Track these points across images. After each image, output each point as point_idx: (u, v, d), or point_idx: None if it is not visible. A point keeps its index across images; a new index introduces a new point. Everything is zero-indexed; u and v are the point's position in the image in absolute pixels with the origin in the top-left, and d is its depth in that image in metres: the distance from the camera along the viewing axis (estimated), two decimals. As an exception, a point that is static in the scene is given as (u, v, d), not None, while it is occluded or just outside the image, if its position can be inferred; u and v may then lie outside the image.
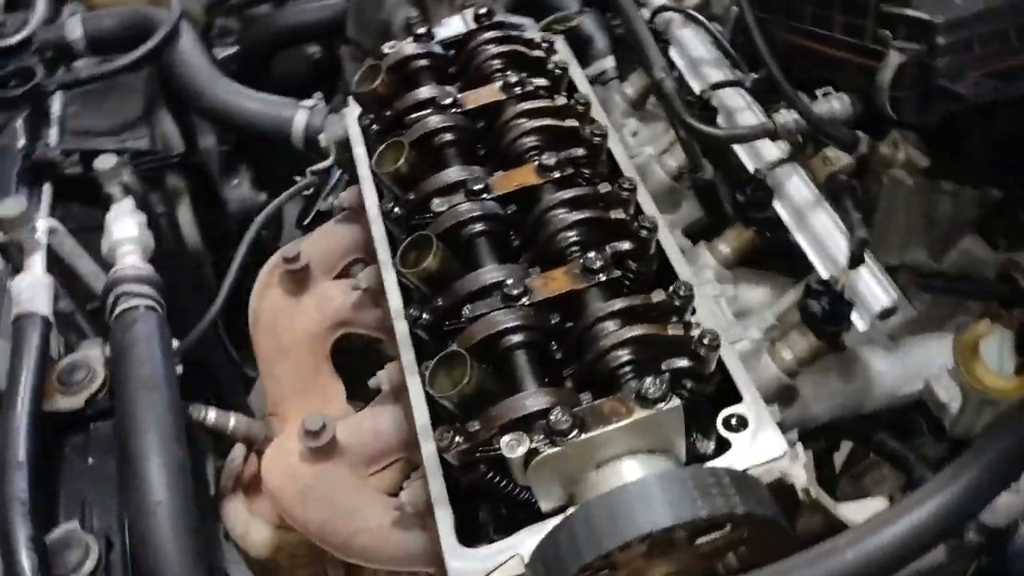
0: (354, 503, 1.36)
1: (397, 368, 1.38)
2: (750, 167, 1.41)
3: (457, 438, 1.12)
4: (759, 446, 1.15)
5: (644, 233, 1.26)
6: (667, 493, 0.99)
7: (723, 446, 1.16)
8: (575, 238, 1.27)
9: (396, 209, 1.41)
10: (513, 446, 1.07)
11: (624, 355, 1.14)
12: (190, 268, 2.14)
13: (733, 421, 1.18)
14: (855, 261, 1.20)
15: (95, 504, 1.39)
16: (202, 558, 1.23)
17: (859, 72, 1.25)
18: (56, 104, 1.96)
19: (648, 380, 1.07)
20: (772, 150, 1.40)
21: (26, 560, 1.10)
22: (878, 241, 1.35)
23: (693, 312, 1.26)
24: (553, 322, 1.22)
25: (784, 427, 1.34)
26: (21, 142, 1.82)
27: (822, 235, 1.29)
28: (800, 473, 1.11)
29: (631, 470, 1.09)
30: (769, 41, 1.36)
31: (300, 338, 1.63)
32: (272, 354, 1.65)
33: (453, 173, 1.38)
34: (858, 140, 1.29)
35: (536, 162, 1.36)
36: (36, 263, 1.47)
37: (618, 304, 1.17)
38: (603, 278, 1.22)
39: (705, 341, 1.13)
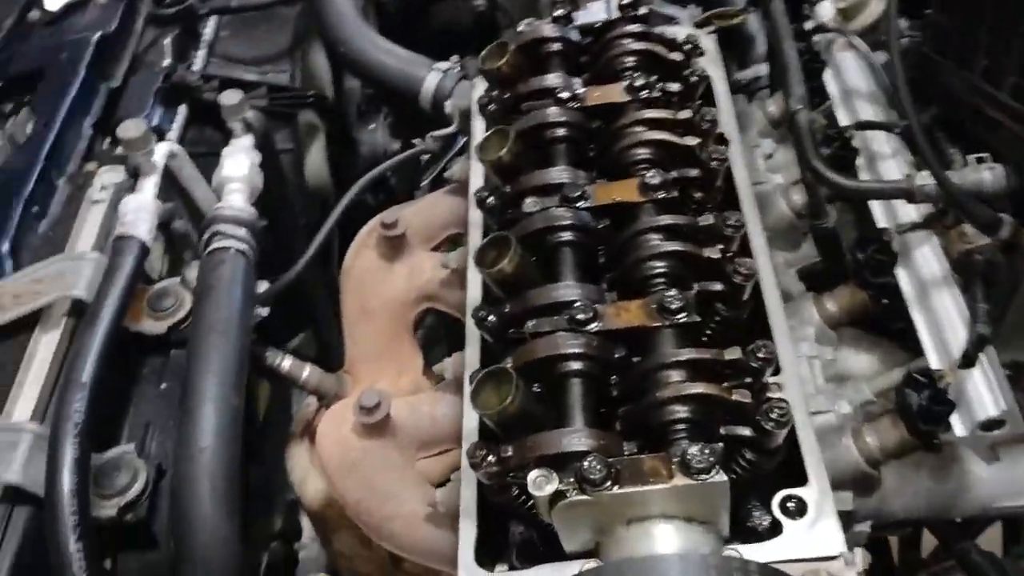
0: (393, 487, 1.34)
1: (463, 358, 1.35)
2: (879, 223, 1.27)
3: (490, 458, 1.08)
4: (814, 539, 1.04)
5: (738, 279, 1.16)
6: (682, 579, 0.91)
7: (777, 528, 1.07)
8: (661, 270, 1.19)
9: (491, 199, 1.36)
10: (540, 484, 1.02)
11: (680, 411, 1.05)
12: (311, 207, 2.17)
13: (791, 504, 1.08)
14: (967, 361, 1.06)
15: (158, 429, 1.44)
16: (235, 511, 1.25)
17: (1021, 143, 1.08)
18: (209, 28, 2.00)
19: (695, 448, 0.98)
20: (908, 211, 1.25)
21: (66, 480, 1.15)
22: (1010, 334, 1.19)
23: (777, 371, 1.16)
24: (617, 356, 1.15)
25: (856, 517, 1.23)
26: (166, 61, 1.88)
27: (941, 318, 1.15)
28: (851, 579, 1.00)
29: (663, 536, 1.02)
30: (941, 86, 1.20)
31: (385, 304, 1.62)
32: (356, 314, 1.65)
33: (554, 174, 1.31)
34: (1000, 224, 1.13)
35: (642, 178, 1.27)
36: (148, 186, 1.51)
37: (685, 355, 1.09)
38: (680, 320, 1.13)
39: (773, 415, 1.03)
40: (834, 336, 1.32)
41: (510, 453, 1.06)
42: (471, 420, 1.21)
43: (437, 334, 2.20)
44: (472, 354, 1.30)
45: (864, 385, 1.27)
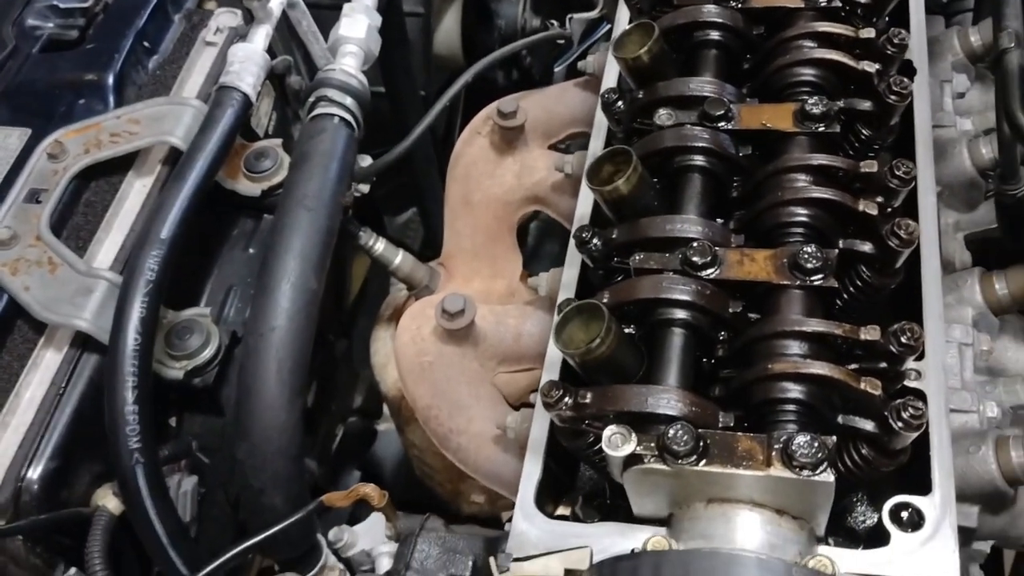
0: (465, 399, 1.25)
1: (559, 275, 1.22)
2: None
3: (567, 400, 0.96)
4: (924, 558, 0.90)
5: (894, 242, 0.97)
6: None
7: (883, 535, 0.92)
8: (802, 219, 1.01)
9: (619, 103, 1.19)
10: (616, 443, 0.90)
11: (794, 391, 0.90)
12: (436, 79, 2.04)
13: (905, 514, 0.93)
14: None
15: (239, 295, 1.39)
16: (299, 395, 1.18)
17: None
18: None
19: (803, 438, 0.84)
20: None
21: (130, 339, 1.11)
22: None
23: (920, 356, 0.98)
24: (732, 311, 0.99)
25: (978, 535, 1.07)
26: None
27: None
28: (956, 613, 0.85)
29: (746, 526, 0.89)
30: None
31: (490, 199, 1.50)
32: (459, 205, 1.53)
33: (696, 84, 1.13)
34: None
35: (801, 104, 1.08)
36: (259, 36, 1.40)
37: (812, 325, 0.92)
38: (814, 282, 0.96)
39: (905, 415, 0.87)
40: (996, 323, 1.12)
41: (588, 400, 0.94)
42: (555, 352, 1.09)
43: (546, 240, 2.08)
44: (570, 276, 1.17)
45: (1020, 386, 1.08)
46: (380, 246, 1.52)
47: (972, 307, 1.11)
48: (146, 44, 1.50)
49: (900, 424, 0.87)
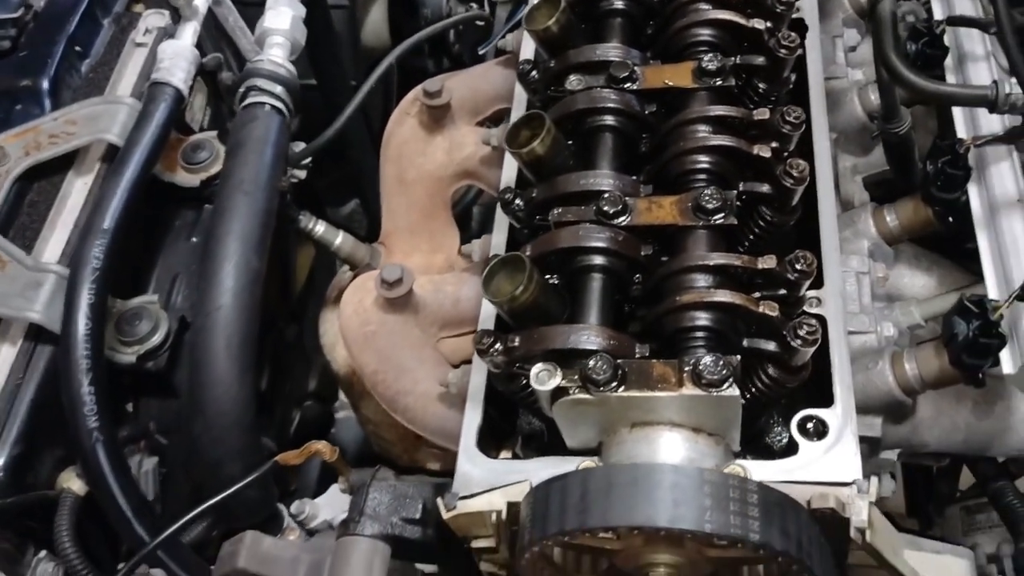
0: (409, 363, 1.32)
1: (489, 241, 1.29)
2: (958, 132, 1.14)
3: (497, 346, 1.04)
4: (829, 463, 0.99)
5: (789, 182, 1.06)
6: (677, 491, 0.87)
7: (793, 448, 1.01)
8: (703, 165, 1.10)
9: (533, 73, 1.27)
10: (543, 378, 0.97)
11: (701, 318, 0.99)
12: (365, 68, 2.09)
13: (810, 425, 1.02)
14: (1028, 294, 0.95)
15: (185, 283, 1.45)
16: (249, 370, 1.24)
17: None
18: None
19: (710, 358, 0.92)
20: (991, 122, 1.12)
21: (81, 324, 1.16)
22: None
23: (822, 284, 1.08)
24: (644, 254, 1.07)
25: (883, 444, 1.16)
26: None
27: (1007, 245, 1.04)
28: (861, 509, 0.94)
29: (667, 444, 0.97)
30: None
31: (423, 176, 1.57)
32: (393, 184, 1.60)
33: (602, 50, 1.21)
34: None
35: (698, 62, 1.16)
36: (187, 32, 1.45)
37: (714, 259, 1.01)
38: (716, 221, 1.05)
39: (802, 332, 0.96)
40: (890, 252, 1.22)
41: (517, 343, 1.02)
42: (489, 306, 1.17)
43: (489, 223, 2.14)
44: (499, 240, 1.25)
45: (914, 308, 1.18)
46: (320, 228, 1.58)
47: (867, 239, 1.21)
48: (78, 48, 1.55)
49: (798, 341, 0.96)
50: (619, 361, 0.96)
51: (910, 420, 1.15)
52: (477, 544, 1.08)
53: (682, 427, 0.98)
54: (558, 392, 0.97)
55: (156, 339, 1.32)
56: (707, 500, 0.86)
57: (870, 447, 1.14)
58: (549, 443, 1.14)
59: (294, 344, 1.85)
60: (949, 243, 1.23)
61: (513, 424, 1.22)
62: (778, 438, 1.14)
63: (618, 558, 0.99)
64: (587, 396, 0.96)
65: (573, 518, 0.89)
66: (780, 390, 1.03)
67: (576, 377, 0.96)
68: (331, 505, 1.43)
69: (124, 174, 1.29)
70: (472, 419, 1.11)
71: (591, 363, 0.95)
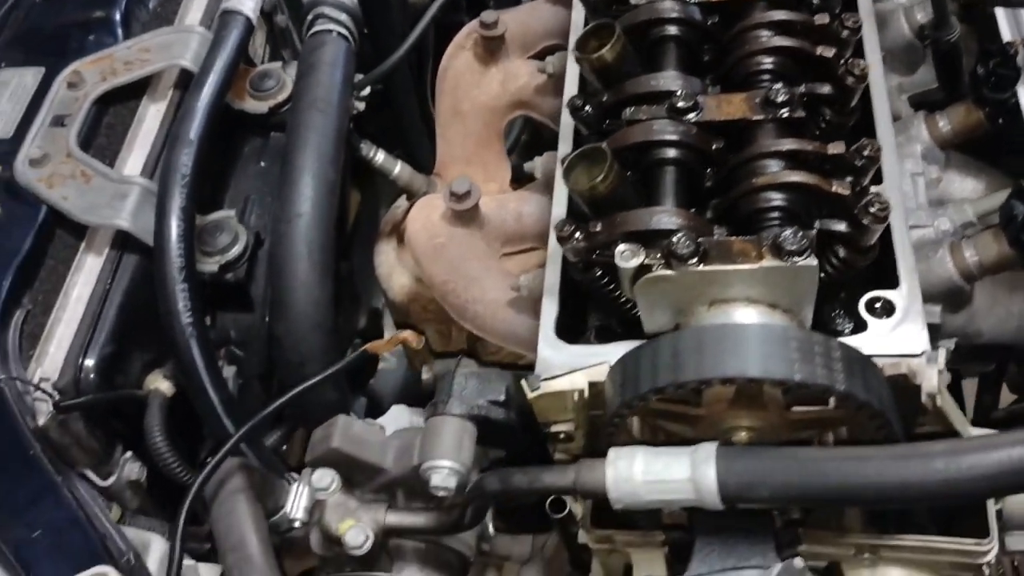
0: (477, 272, 1.38)
1: (554, 158, 1.35)
2: (1005, 36, 1.20)
3: (578, 234, 1.09)
4: (898, 337, 1.04)
5: (850, 80, 1.12)
6: (766, 345, 0.93)
7: (860, 329, 1.06)
8: (768, 65, 1.15)
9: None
10: (627, 256, 1.03)
11: (775, 199, 1.05)
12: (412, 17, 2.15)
13: (878, 305, 1.07)
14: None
15: (256, 204, 1.50)
16: (328, 278, 1.30)
17: None
18: None
19: (788, 231, 0.98)
20: (1039, 24, 1.18)
21: (174, 226, 1.21)
22: None
23: (880, 181, 1.13)
24: (715, 147, 1.13)
25: (942, 333, 1.22)
26: None
27: (1061, 137, 1.10)
28: (931, 376, 1.00)
29: (744, 318, 1.02)
30: None
31: (478, 107, 1.62)
32: (449, 116, 1.65)
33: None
34: None
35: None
36: (255, -35, 1.52)
37: (787, 144, 1.07)
38: (784, 114, 1.11)
39: (872, 210, 1.02)
40: (942, 156, 1.28)
41: (598, 229, 1.08)
42: (560, 206, 1.22)
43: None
44: (564, 149, 1.30)
45: (968, 207, 1.23)
46: (380, 156, 1.64)
47: (920, 143, 1.26)
48: (147, -19, 1.60)
49: (869, 218, 1.01)
50: (700, 239, 1.01)
51: (966, 309, 1.20)
52: (556, 428, 1.14)
53: (759, 303, 1.03)
54: (641, 271, 1.02)
55: (236, 250, 1.37)
56: (794, 353, 0.92)
57: (930, 335, 1.19)
58: (621, 337, 1.20)
59: (346, 279, 1.90)
60: (997, 146, 1.29)
61: (584, 325, 1.27)
62: (842, 327, 1.19)
63: (699, 426, 1.04)
64: (669, 272, 1.01)
65: (666, 375, 0.94)
66: (849, 271, 1.08)
67: (658, 255, 1.02)
68: (394, 424, 1.48)
69: (203, 92, 1.35)
70: (550, 310, 1.16)
71: (675, 239, 1.00)
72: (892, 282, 1.09)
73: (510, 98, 1.61)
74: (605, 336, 1.23)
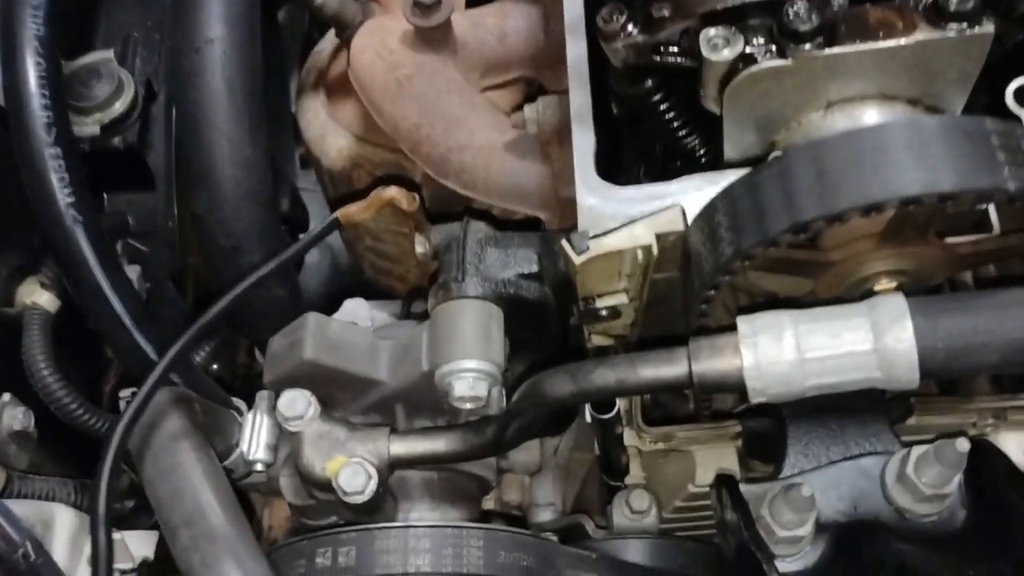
0: (461, 111, 1.04)
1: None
2: None
3: (631, 25, 0.76)
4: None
5: None
6: (955, 145, 0.63)
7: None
8: None
9: None
10: (718, 45, 0.72)
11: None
12: None
13: (1033, 92, 0.79)
14: None
15: (142, 44, 1.10)
16: (259, 125, 0.94)
17: None
18: None
19: (954, -14, 0.68)
20: None
21: (31, 66, 0.80)
22: None
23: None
24: None
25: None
26: None
27: None
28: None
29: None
30: None
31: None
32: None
33: None
34: None
35: None
36: None
37: None
38: None
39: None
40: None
41: (666, 13, 0.75)
42: (576, 4, 0.88)
43: None
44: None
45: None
46: (300, -22, 1.24)
47: None
48: None
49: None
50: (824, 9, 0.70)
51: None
52: (603, 303, 0.84)
53: (895, 99, 0.74)
54: (738, 63, 0.71)
55: (121, 104, 0.98)
56: (1000, 153, 0.63)
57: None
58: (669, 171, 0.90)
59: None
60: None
61: (619, 169, 0.96)
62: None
63: (823, 278, 0.76)
64: (783, 62, 0.70)
65: (812, 205, 0.64)
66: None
67: (762, 41, 0.71)
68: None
69: None
70: (585, 143, 0.83)
71: (791, 9, 0.69)
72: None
73: None
74: (656, 173, 0.92)
